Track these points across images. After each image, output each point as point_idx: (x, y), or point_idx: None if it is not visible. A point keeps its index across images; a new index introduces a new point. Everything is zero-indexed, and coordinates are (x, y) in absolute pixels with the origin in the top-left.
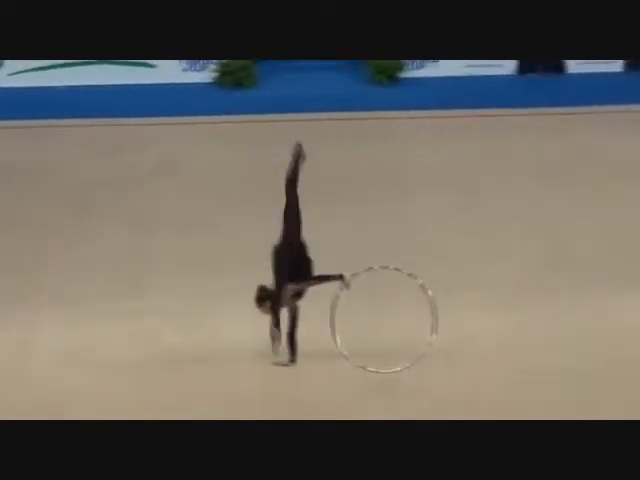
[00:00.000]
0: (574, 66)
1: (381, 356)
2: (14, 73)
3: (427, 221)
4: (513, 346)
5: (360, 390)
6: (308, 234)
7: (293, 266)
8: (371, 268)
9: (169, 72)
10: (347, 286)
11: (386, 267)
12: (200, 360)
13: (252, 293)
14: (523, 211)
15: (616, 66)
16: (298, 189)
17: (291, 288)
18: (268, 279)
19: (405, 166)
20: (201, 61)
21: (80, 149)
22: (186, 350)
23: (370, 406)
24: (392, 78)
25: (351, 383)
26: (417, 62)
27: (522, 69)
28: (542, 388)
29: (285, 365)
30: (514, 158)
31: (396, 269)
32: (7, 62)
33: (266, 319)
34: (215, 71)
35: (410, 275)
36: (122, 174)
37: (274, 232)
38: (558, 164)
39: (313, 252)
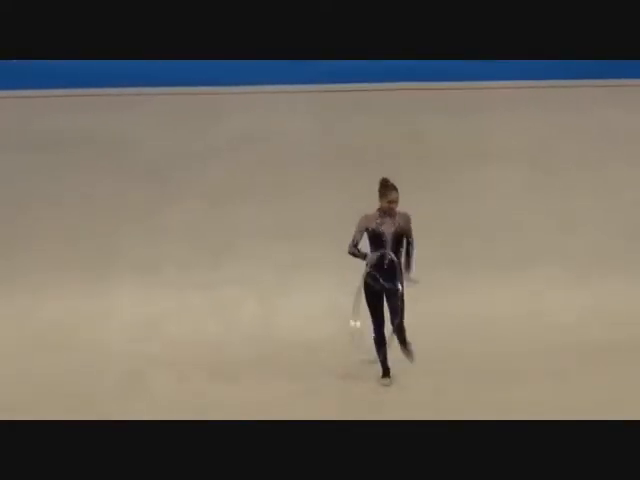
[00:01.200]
0: None
1: None
2: None
3: (504, 194)
4: (591, 320)
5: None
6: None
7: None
8: None
9: None
10: None
11: None
12: (279, 331)
13: (332, 263)
14: (602, 185)
15: None
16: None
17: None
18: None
19: (483, 138)
20: None
21: (160, 119)
22: (264, 321)
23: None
24: None
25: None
26: None
27: None
28: (621, 362)
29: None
30: (594, 132)
31: None
32: None
33: (345, 288)
34: None
35: None
36: (202, 144)
37: (354, 202)
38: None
39: None
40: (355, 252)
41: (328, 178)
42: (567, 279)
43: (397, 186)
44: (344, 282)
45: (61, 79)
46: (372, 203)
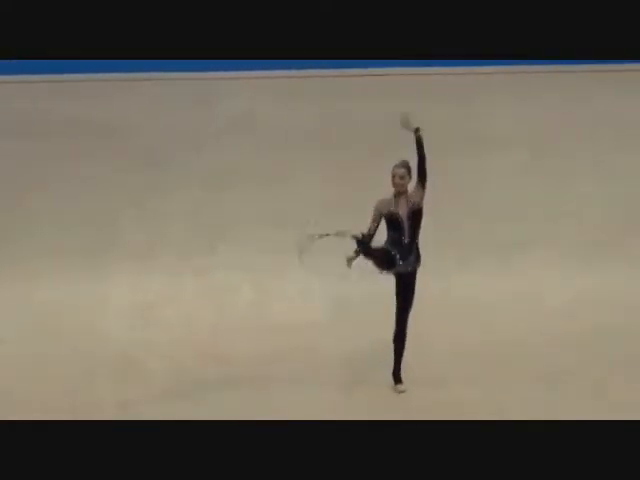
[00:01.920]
0: None
1: None
2: None
3: (502, 179)
4: (587, 304)
5: None
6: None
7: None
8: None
9: None
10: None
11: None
12: (275, 318)
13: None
14: (601, 170)
15: None
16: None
17: None
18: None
19: (480, 123)
20: None
21: (154, 104)
22: (261, 306)
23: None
24: None
25: None
26: None
27: None
28: (616, 349)
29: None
30: (593, 117)
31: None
32: None
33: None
34: None
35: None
36: (198, 129)
37: (351, 187)
38: (632, 122)
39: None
40: (359, 238)
41: (326, 163)
42: (565, 264)
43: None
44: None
45: (55, 65)
46: (370, 189)
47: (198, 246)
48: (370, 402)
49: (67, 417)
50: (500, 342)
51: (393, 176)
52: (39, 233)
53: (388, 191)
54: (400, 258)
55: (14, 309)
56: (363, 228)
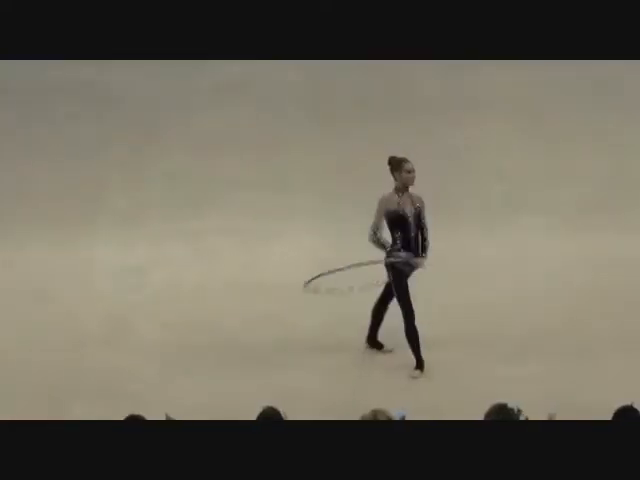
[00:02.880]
0: None
1: None
2: None
3: (492, 143)
4: (578, 266)
5: None
6: (374, 154)
7: None
8: None
9: None
10: None
11: None
12: (262, 281)
13: (316, 213)
14: (587, 134)
15: None
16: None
17: None
18: (333, 200)
19: (469, 89)
20: None
21: (141, 68)
22: (247, 271)
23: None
24: None
25: None
26: None
27: None
28: (607, 309)
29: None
30: (580, 82)
31: None
32: None
33: (327, 237)
34: None
35: None
36: (184, 94)
37: (339, 153)
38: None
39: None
40: (376, 240)
41: (313, 128)
42: (552, 227)
43: (384, 137)
44: (326, 231)
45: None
46: (358, 155)
47: (185, 211)
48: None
49: (55, 382)
50: (485, 304)
51: (400, 168)
52: (25, 199)
53: (379, 161)
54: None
55: (1, 274)
56: (354, 195)
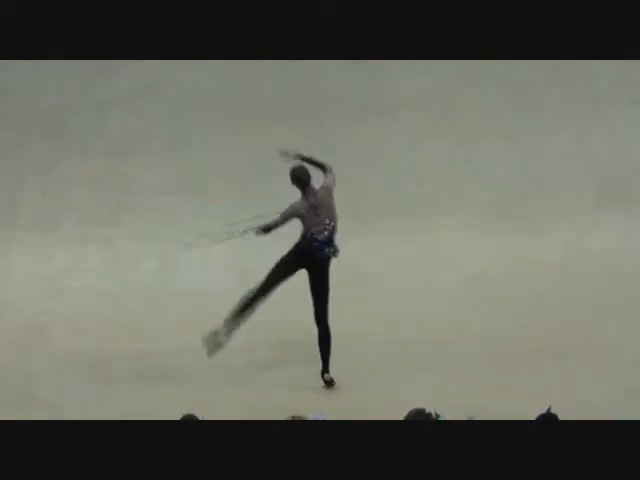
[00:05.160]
0: None
1: None
2: None
3: (406, 144)
4: (493, 269)
5: None
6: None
7: None
8: None
9: None
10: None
11: None
12: (180, 287)
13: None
14: (501, 134)
15: None
16: None
17: None
18: (251, 203)
19: (385, 89)
20: None
21: (58, 70)
22: (164, 277)
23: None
24: None
25: None
26: None
27: None
28: (519, 314)
29: None
30: (495, 81)
31: None
32: None
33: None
34: None
35: None
36: (101, 95)
37: (255, 157)
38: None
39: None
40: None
41: (229, 131)
42: (469, 228)
43: (298, 137)
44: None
45: None
46: (276, 158)
47: (102, 215)
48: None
49: None
50: (404, 309)
51: (306, 188)
52: None
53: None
54: (320, 245)
55: None
56: (271, 199)
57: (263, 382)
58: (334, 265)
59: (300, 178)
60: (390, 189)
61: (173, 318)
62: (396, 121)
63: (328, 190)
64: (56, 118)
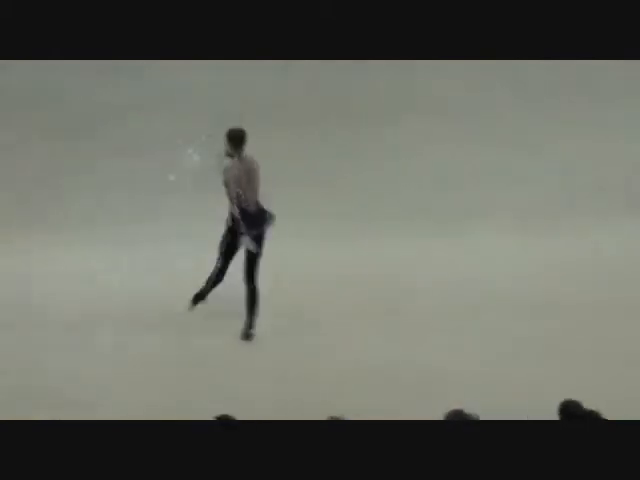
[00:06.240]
0: None
1: None
2: None
3: (430, 147)
4: (528, 271)
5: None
6: (309, 159)
7: None
8: None
9: None
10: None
11: None
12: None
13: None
14: (531, 136)
15: None
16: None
17: None
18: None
19: (406, 91)
20: None
21: (90, 71)
22: (200, 276)
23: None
24: None
25: None
26: None
27: None
28: (558, 316)
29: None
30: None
31: None
32: None
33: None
34: None
35: None
36: (124, 99)
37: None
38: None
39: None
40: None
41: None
42: (502, 232)
43: (320, 142)
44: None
45: None
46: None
47: (136, 215)
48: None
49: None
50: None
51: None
52: None
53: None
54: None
55: None
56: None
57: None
58: (364, 271)
59: (233, 138)
60: (419, 193)
61: (210, 317)
62: (421, 123)
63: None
64: (83, 119)
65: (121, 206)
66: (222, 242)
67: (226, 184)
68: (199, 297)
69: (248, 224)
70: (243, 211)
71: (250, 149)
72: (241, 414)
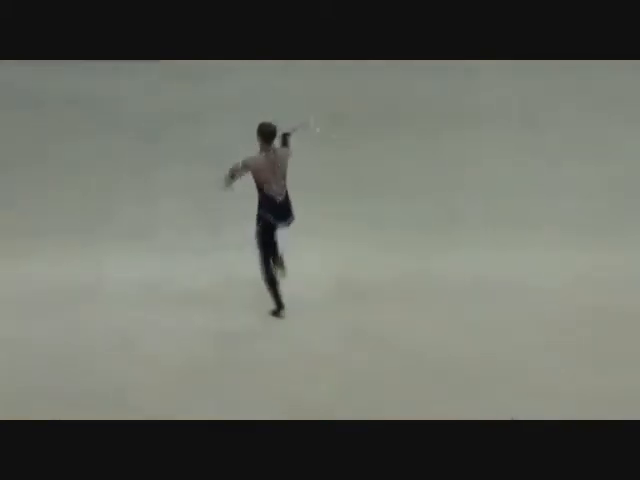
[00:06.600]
0: None
1: None
2: None
3: (495, 155)
4: (588, 282)
5: None
6: (386, 165)
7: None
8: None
9: None
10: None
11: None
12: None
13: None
14: (601, 149)
15: None
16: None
17: None
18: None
19: (473, 100)
20: None
21: (148, 82)
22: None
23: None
24: None
25: None
26: None
27: None
28: (613, 326)
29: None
30: (585, 94)
31: None
32: None
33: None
34: None
35: None
36: (194, 106)
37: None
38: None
39: (387, 182)
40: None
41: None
42: (563, 242)
43: (386, 150)
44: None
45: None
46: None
47: (198, 224)
48: None
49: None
50: (496, 318)
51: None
52: (37, 209)
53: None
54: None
55: (10, 286)
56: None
57: None
58: (433, 278)
59: (264, 132)
60: (481, 202)
61: (271, 326)
62: (484, 132)
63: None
64: (146, 127)
65: (180, 213)
66: (258, 241)
67: (253, 175)
68: (278, 306)
69: (274, 214)
70: (269, 199)
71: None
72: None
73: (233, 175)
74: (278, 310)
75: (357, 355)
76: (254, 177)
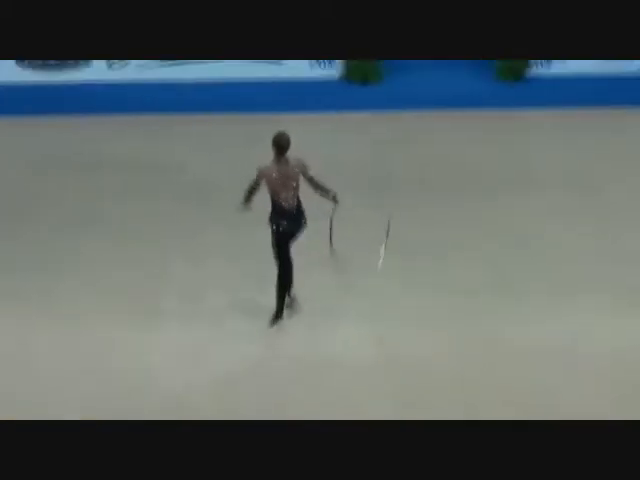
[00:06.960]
0: None
1: None
2: (142, 65)
3: (549, 219)
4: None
5: None
6: (438, 228)
7: None
8: None
9: (296, 67)
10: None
11: None
12: (325, 356)
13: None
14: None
15: None
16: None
17: None
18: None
19: (528, 163)
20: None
21: (205, 142)
22: (311, 344)
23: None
24: (518, 76)
25: None
26: (544, 61)
27: None
28: None
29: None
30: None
31: None
32: None
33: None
34: (342, 67)
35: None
36: (243, 166)
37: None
38: None
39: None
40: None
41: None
42: (615, 308)
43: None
44: None
45: (104, 104)
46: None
47: (248, 286)
48: None
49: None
50: (546, 384)
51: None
52: (82, 270)
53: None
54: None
55: (59, 352)
56: None
57: None
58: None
59: (277, 142)
60: (533, 265)
61: (322, 386)
62: (539, 194)
63: (302, 167)
64: (198, 187)
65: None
66: (275, 252)
67: (266, 183)
68: (277, 315)
69: (286, 222)
70: (279, 207)
71: None
72: None
73: (251, 191)
74: (276, 318)
75: None
76: (267, 185)
